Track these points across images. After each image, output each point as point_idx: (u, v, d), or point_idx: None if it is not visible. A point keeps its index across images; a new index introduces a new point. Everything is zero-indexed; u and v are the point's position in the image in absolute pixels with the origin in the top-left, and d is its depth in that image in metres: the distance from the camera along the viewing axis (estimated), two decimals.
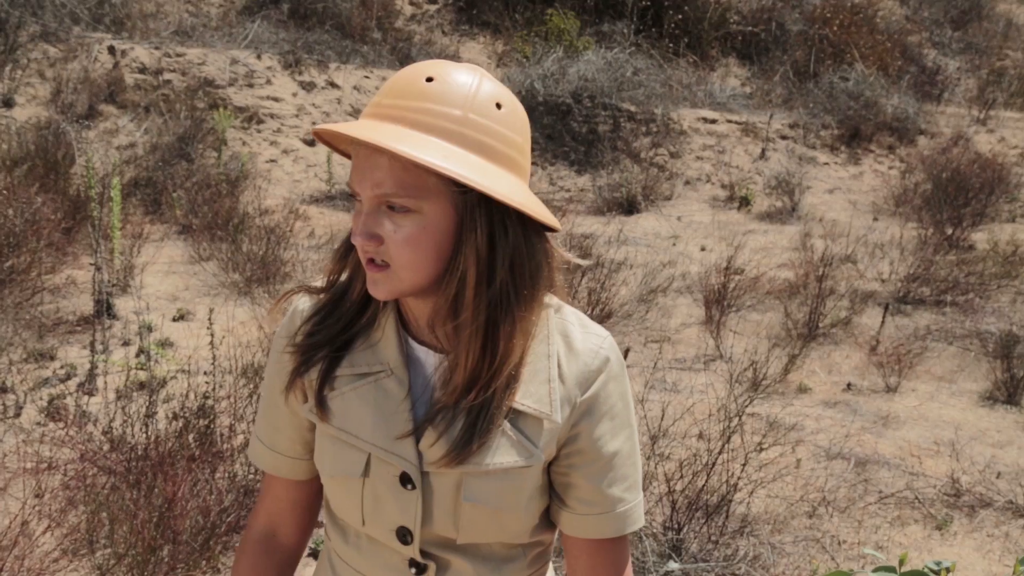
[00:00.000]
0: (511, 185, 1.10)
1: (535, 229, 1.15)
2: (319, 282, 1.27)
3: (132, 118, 9.10)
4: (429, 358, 1.19)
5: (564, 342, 1.18)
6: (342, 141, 1.18)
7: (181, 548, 3.26)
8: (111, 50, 9.61)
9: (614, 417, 1.19)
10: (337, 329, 1.22)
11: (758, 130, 11.49)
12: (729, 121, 11.62)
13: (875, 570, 1.12)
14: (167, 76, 9.66)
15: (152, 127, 8.94)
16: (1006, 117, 12.41)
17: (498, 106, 1.11)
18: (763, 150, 11.18)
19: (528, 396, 1.15)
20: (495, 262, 1.11)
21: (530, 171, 1.18)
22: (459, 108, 1.08)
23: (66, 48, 9.43)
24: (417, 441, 1.17)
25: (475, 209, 1.09)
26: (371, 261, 1.12)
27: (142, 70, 9.60)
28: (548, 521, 1.26)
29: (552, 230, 1.16)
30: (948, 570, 1.14)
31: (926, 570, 1.11)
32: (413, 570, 1.23)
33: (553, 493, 1.22)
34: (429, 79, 1.09)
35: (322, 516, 1.36)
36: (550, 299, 1.20)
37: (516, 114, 1.14)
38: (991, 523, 4.10)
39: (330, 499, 1.28)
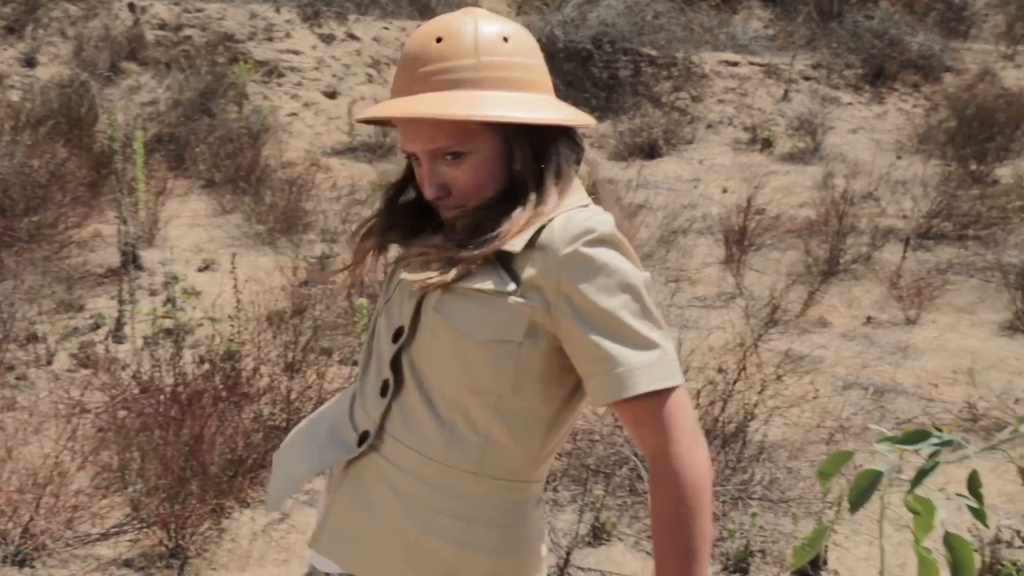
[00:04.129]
0: (538, 103, 1.28)
1: (568, 134, 1.34)
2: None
3: (153, 75, 9.16)
4: None
5: (566, 215, 1.28)
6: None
7: (210, 481, 3.36)
8: (131, 7, 9.66)
9: (608, 275, 1.24)
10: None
11: (781, 72, 11.37)
12: (751, 63, 11.51)
13: (879, 441, 1.17)
14: (187, 32, 9.70)
15: (173, 83, 9.00)
16: None
17: (504, 40, 1.28)
18: (786, 91, 11.07)
19: (515, 244, 1.27)
20: (539, 170, 1.30)
21: (550, 82, 1.35)
22: (471, 56, 1.26)
23: (86, 6, 9.49)
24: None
25: (518, 132, 1.28)
26: (441, 203, 1.33)
27: (162, 26, 9.65)
28: (527, 442, 1.32)
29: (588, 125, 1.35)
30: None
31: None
32: (382, 392, 1.37)
33: (579, 374, 1.30)
34: (438, 39, 1.27)
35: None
36: (583, 201, 1.33)
37: (522, 39, 1.30)
38: (1008, 446, 4.12)
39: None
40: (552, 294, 1.25)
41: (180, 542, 3.27)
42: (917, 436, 1.17)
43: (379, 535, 1.34)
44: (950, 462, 1.16)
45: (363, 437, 1.37)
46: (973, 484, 1.16)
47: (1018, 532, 3.48)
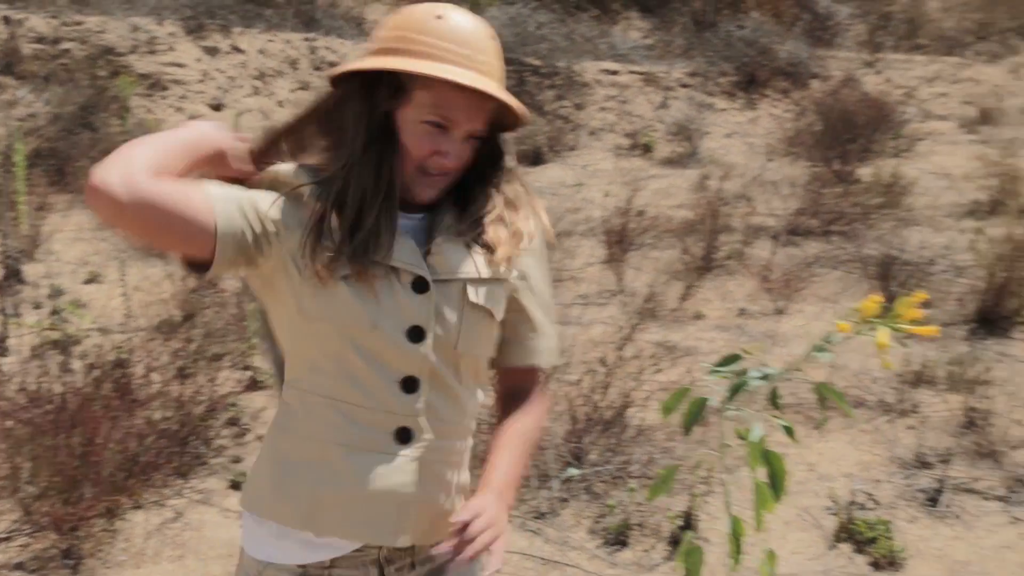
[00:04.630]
0: None
1: None
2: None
3: (31, 89, 8.99)
4: (411, 221, 1.52)
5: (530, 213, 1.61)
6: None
7: (103, 483, 3.41)
8: (6, 20, 9.46)
9: (546, 267, 1.64)
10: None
11: (659, 80, 11.80)
12: (631, 72, 11.91)
13: (708, 373, 1.35)
14: (66, 45, 9.55)
15: (53, 97, 8.85)
16: (893, 59, 12.93)
17: None
18: (664, 99, 11.50)
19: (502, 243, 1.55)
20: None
21: None
22: (501, 59, 1.51)
23: None
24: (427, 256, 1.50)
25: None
26: (439, 174, 1.49)
27: (39, 40, 9.48)
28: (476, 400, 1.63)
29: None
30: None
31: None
32: (407, 389, 1.49)
33: (506, 341, 1.60)
34: (492, 38, 1.49)
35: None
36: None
37: None
38: (863, 419, 4.46)
39: (334, 317, 1.45)
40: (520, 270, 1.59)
41: (73, 543, 3.31)
42: (730, 359, 1.38)
43: (434, 503, 1.54)
44: (757, 384, 1.35)
45: (404, 434, 1.49)
46: (774, 399, 1.37)
47: (870, 495, 3.79)
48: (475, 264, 1.50)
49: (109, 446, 3.58)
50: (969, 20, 13.83)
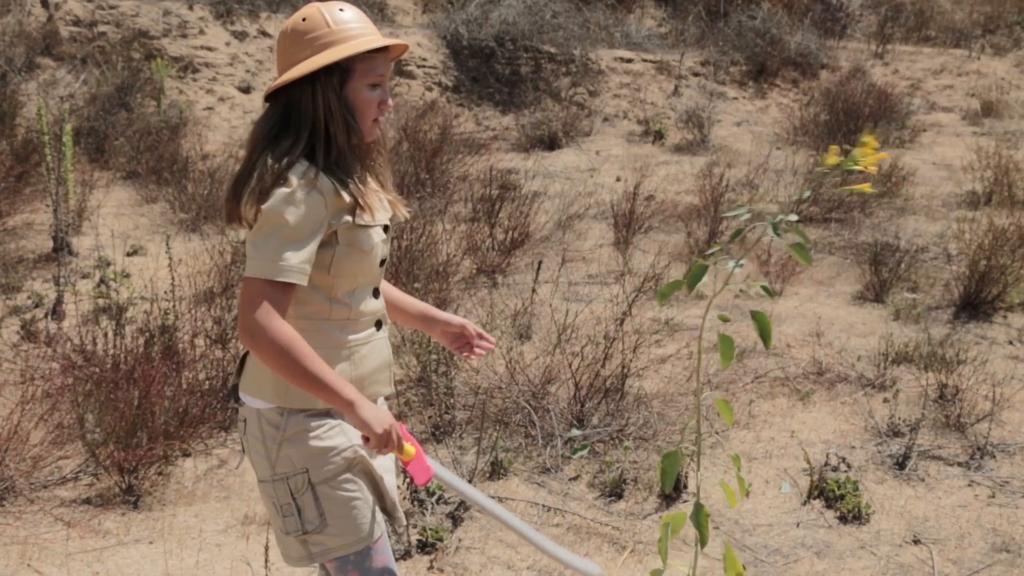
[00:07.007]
0: None
1: None
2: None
3: (69, 70, 9.43)
4: None
5: None
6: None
7: (157, 431, 3.85)
8: (44, 3, 9.89)
9: None
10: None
11: (671, 68, 12.14)
12: (644, 60, 12.25)
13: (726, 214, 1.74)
14: (101, 28, 9.97)
15: (90, 78, 9.29)
16: (902, 51, 13.22)
17: None
18: (676, 87, 11.84)
19: None
20: None
21: None
22: None
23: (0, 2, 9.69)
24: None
25: None
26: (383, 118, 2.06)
27: (76, 23, 9.91)
28: None
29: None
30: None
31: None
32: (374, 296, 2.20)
33: None
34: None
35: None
36: None
37: None
38: (846, 393, 4.86)
39: (358, 271, 2.07)
40: None
41: (133, 483, 3.76)
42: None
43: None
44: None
45: (379, 324, 2.22)
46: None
47: (843, 459, 4.19)
48: (385, 209, 2.12)
49: (161, 401, 4.02)
50: (978, 13, 14.09)
